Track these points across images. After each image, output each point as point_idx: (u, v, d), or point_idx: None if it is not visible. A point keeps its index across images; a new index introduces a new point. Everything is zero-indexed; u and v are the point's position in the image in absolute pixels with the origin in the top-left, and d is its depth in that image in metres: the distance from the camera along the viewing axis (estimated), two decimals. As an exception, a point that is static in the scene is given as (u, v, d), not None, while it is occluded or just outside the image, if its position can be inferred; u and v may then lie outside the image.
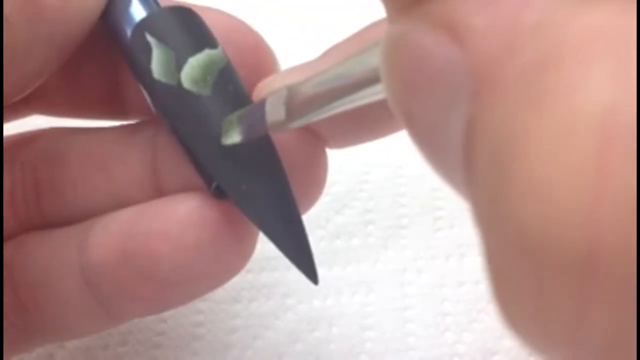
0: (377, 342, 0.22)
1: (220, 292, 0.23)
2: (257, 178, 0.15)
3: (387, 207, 0.25)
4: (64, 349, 0.22)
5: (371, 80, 0.11)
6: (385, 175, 0.26)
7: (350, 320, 0.22)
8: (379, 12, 0.11)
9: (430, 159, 0.09)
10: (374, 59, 0.11)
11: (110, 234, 0.16)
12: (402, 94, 0.09)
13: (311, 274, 0.15)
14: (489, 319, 0.22)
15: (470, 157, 0.08)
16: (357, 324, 0.22)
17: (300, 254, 0.15)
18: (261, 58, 0.17)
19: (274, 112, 0.14)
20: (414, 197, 0.25)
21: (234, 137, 0.15)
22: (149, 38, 0.16)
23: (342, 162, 0.24)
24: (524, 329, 0.08)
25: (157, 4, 0.16)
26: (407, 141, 0.18)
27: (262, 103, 0.15)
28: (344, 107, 0.12)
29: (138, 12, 0.16)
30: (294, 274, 0.23)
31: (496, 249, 0.07)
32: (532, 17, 0.07)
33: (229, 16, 0.17)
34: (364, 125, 0.16)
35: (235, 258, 0.16)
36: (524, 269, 0.07)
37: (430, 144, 0.09)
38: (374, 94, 0.11)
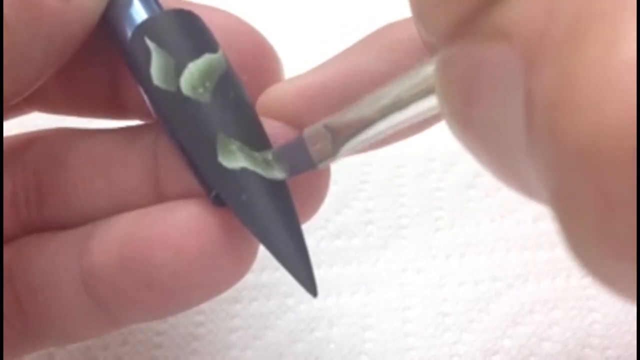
0: (377, 342, 0.22)
1: (220, 292, 0.23)
2: (256, 188, 0.15)
3: (387, 207, 0.25)
4: (63, 348, 0.22)
5: (414, 99, 0.13)
6: (385, 175, 0.26)
7: (350, 320, 0.22)
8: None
9: (492, 157, 0.11)
10: (408, 85, 0.13)
11: (110, 240, 0.16)
12: (460, 103, 0.11)
13: (310, 286, 0.15)
14: (489, 319, 0.22)
15: (530, 119, 0.09)
16: (357, 324, 0.22)
17: (299, 266, 0.15)
18: (265, 61, 0.17)
19: (319, 149, 0.15)
20: (414, 197, 0.25)
21: (275, 174, 0.15)
22: (149, 43, 0.15)
23: (342, 162, 0.24)
24: (589, 247, 0.08)
25: (159, 5, 0.16)
26: (406, 141, 0.18)
27: (300, 141, 0.15)
28: (384, 133, 0.14)
29: (139, 13, 0.16)
30: (294, 274, 0.24)
31: (560, 175, 0.08)
32: None
33: (232, 17, 0.17)
34: None
35: (235, 266, 0.16)
36: (585, 179, 0.08)
37: (491, 142, 0.11)
38: (417, 113, 0.13)
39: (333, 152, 0.15)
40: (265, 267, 0.23)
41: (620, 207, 0.08)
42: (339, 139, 0.14)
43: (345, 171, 0.26)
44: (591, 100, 0.08)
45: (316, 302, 0.23)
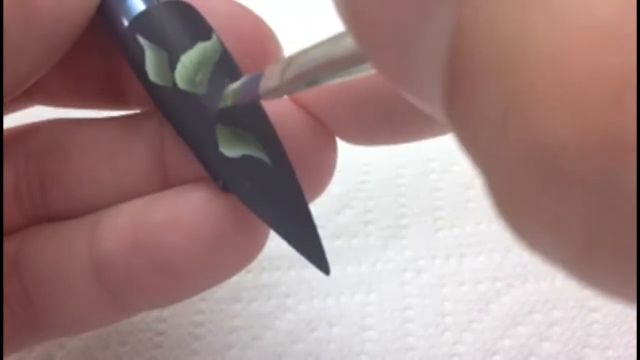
0: (377, 342, 0.22)
1: (220, 292, 0.23)
2: (260, 174, 0.15)
3: (387, 207, 0.25)
4: (63, 349, 0.22)
5: (357, 57, 0.11)
6: (385, 175, 0.26)
7: (350, 320, 0.22)
8: None
9: (395, 77, 0.09)
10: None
11: (121, 225, 0.16)
12: None
13: (322, 265, 0.15)
14: (489, 319, 0.22)
15: (462, 67, 0.07)
16: (357, 324, 0.22)
17: (310, 246, 0.15)
18: (264, 46, 0.17)
19: (269, 79, 0.14)
20: (414, 197, 0.25)
21: (227, 102, 0.15)
22: (141, 40, 0.15)
23: (342, 162, 0.24)
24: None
25: None
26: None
27: (258, 75, 0.15)
28: (333, 79, 0.13)
29: (134, 4, 0.16)
30: (295, 274, 0.23)
31: (508, 166, 0.07)
32: None
33: (230, 2, 0.17)
34: (381, 123, 0.16)
35: (248, 247, 0.16)
36: (541, 181, 0.07)
37: (396, 61, 0.08)
38: (361, 70, 0.12)
39: (278, 88, 0.14)
40: (265, 267, 0.23)
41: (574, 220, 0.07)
42: (287, 77, 0.14)
43: (345, 171, 0.26)
44: (571, 92, 0.06)
45: (316, 302, 0.23)
